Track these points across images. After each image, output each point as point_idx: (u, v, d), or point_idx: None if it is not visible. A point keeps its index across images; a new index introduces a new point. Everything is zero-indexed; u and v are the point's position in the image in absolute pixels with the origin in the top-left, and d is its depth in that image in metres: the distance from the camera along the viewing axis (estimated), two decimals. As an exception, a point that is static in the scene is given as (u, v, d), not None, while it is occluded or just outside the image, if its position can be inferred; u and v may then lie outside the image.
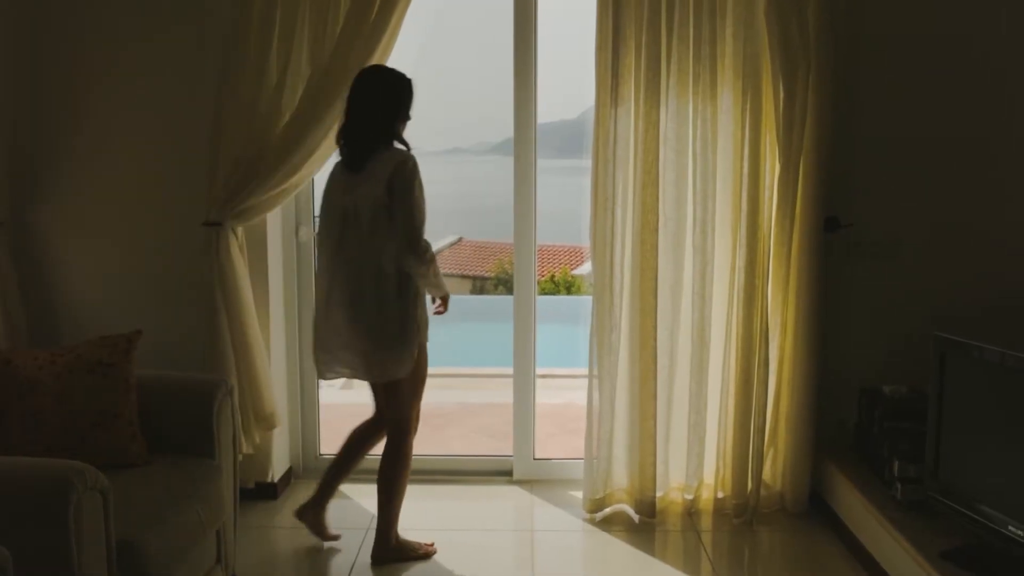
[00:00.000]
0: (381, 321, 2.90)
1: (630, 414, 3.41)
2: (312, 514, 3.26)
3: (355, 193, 2.88)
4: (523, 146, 3.64)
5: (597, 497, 3.45)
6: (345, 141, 2.94)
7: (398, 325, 2.91)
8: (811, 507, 3.49)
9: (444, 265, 17.32)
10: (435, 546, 3.20)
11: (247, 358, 3.34)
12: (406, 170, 2.84)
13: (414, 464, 3.92)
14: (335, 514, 3.59)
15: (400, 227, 2.84)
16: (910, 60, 3.36)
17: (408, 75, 2.97)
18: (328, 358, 3.00)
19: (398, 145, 2.93)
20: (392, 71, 2.97)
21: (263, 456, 3.52)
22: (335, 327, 2.94)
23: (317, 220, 3.20)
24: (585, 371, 3.44)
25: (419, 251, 2.86)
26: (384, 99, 2.91)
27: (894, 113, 3.39)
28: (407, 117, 2.98)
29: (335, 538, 3.29)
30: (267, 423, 3.41)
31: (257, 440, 3.42)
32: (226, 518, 2.80)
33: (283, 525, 3.46)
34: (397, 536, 3.14)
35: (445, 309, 3.13)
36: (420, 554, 3.15)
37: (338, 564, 3.15)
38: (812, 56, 3.17)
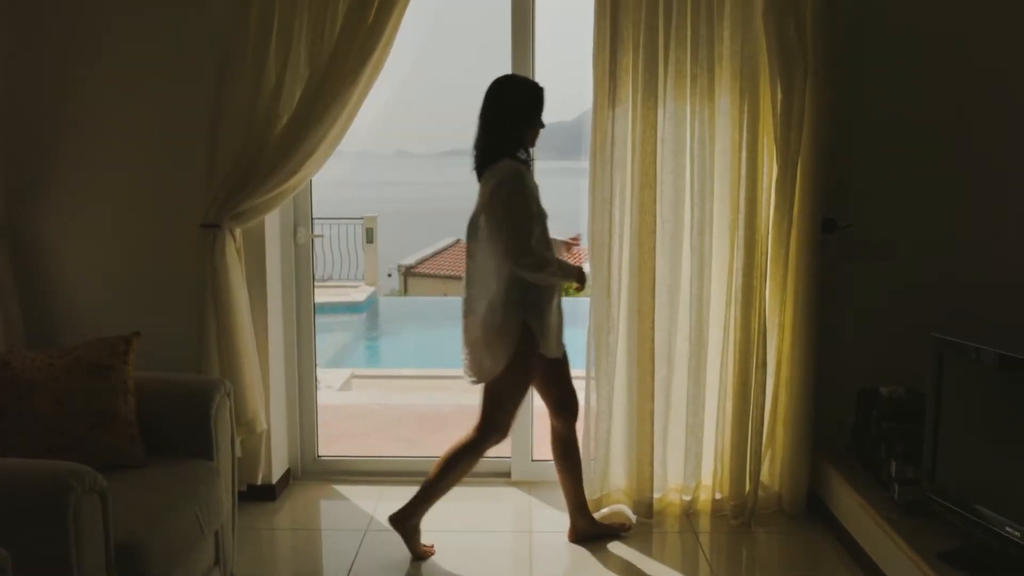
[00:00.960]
0: (486, 325, 2.98)
1: (628, 415, 3.42)
2: (585, 526, 3.31)
3: (478, 201, 3.00)
4: (521, 148, 3.64)
5: (595, 498, 3.45)
6: (474, 150, 3.03)
7: (500, 330, 2.97)
8: (809, 508, 3.49)
9: (442, 267, 17.29)
10: (434, 548, 3.20)
11: (233, 362, 3.33)
12: (507, 183, 2.90)
13: (414, 466, 3.96)
14: (333, 515, 3.61)
15: (503, 238, 2.90)
16: (908, 61, 3.37)
17: (539, 83, 3.04)
18: (462, 356, 3.10)
19: (521, 155, 2.99)
20: (519, 81, 3.05)
21: (252, 459, 3.51)
22: (463, 328, 3.07)
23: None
24: (582, 372, 3.44)
25: (523, 262, 2.89)
26: (506, 110, 2.98)
27: (892, 114, 3.39)
28: (537, 125, 3.03)
29: (625, 526, 3.39)
30: (247, 428, 3.38)
31: (239, 444, 3.40)
32: (224, 520, 2.80)
33: (282, 527, 3.46)
34: (417, 522, 3.16)
35: (580, 287, 3.15)
36: (417, 552, 3.16)
37: (337, 565, 3.15)
38: (810, 57, 3.18)
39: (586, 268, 3.20)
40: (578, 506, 3.30)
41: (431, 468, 3.15)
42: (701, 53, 3.26)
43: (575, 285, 3.14)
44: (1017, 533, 2.43)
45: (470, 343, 3.06)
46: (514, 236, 2.88)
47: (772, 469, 3.51)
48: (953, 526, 2.71)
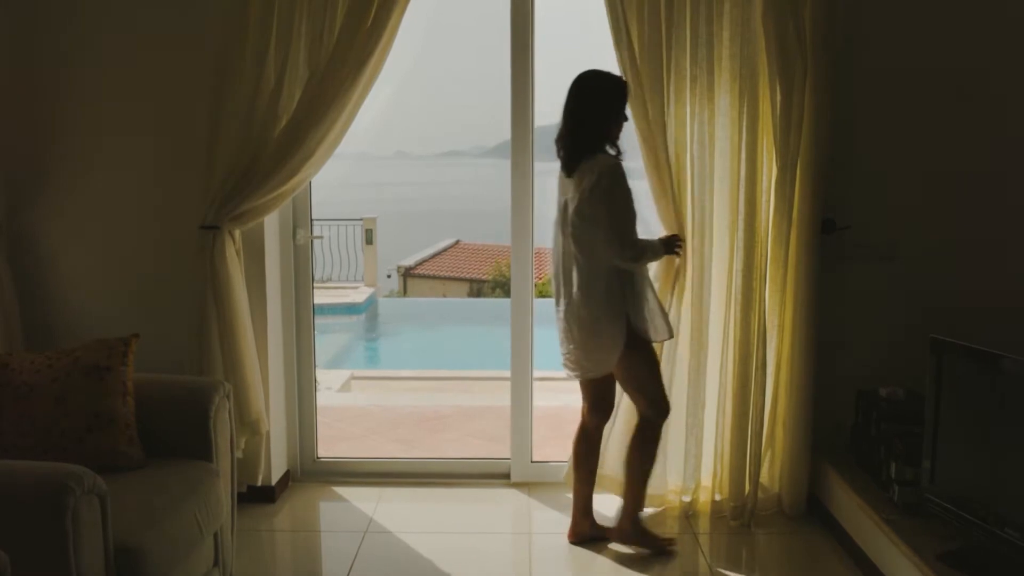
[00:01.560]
0: (588, 321, 3.00)
1: (627, 415, 3.41)
2: (587, 528, 3.30)
3: (568, 196, 3.00)
4: (520, 149, 3.64)
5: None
6: (559, 146, 3.03)
7: (605, 325, 3.00)
8: (808, 509, 3.49)
9: (441, 268, 17.30)
10: (673, 545, 3.25)
11: (235, 363, 3.33)
12: (607, 178, 2.93)
13: (413, 468, 3.95)
14: (332, 516, 3.60)
15: (605, 232, 2.93)
16: (908, 61, 3.37)
17: (622, 77, 3.10)
18: (562, 352, 3.12)
19: (609, 150, 3.01)
20: (602, 75, 3.03)
21: (253, 461, 3.50)
22: (561, 322, 3.09)
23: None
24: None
25: (626, 255, 2.97)
26: (591, 104, 2.99)
27: (892, 115, 3.39)
28: (622, 119, 3.05)
29: (603, 532, 3.33)
30: (251, 429, 3.38)
31: (242, 445, 3.40)
32: (224, 521, 2.79)
33: (281, 528, 3.46)
34: (641, 520, 3.23)
35: (677, 252, 3.25)
36: (659, 547, 3.20)
37: (336, 567, 3.14)
38: (809, 58, 3.18)
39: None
40: (586, 508, 3.30)
41: (623, 474, 3.20)
42: (700, 54, 3.25)
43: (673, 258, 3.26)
44: (1016, 534, 2.43)
45: (573, 340, 3.05)
46: (618, 228, 2.93)
47: (772, 470, 3.50)
48: (952, 528, 2.71)
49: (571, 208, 2.99)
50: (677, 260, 3.30)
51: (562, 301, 3.08)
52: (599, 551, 3.26)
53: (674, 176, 3.28)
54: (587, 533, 3.31)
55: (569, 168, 3.02)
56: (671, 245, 3.23)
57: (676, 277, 3.33)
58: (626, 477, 3.21)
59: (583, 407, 3.26)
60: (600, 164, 2.94)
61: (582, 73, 3.03)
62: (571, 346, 3.07)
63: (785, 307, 3.35)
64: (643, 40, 3.22)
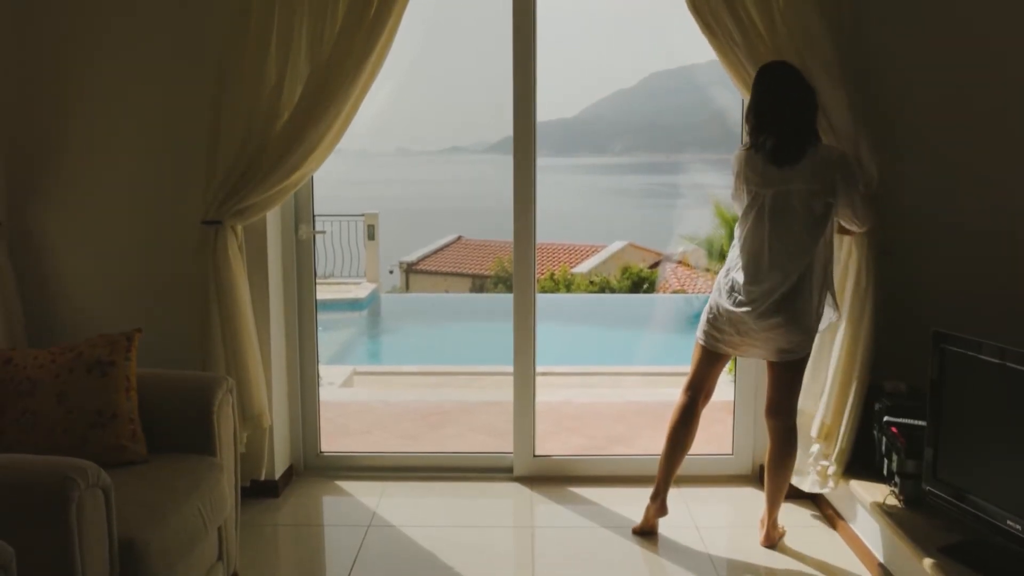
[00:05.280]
0: (803, 304, 2.99)
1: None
2: (656, 509, 3.30)
3: (788, 184, 2.97)
4: (523, 144, 3.63)
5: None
6: (778, 134, 2.97)
7: (815, 308, 3.03)
8: (812, 502, 3.49)
9: (443, 264, 17.27)
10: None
11: (238, 358, 3.33)
12: (853, 163, 3.03)
13: (415, 462, 3.96)
14: (335, 511, 3.61)
15: (862, 209, 3.04)
16: (914, 58, 3.36)
17: None
18: (739, 336, 3.07)
19: (825, 140, 3.05)
20: (794, 66, 3.04)
21: (256, 455, 3.51)
22: (761, 310, 2.99)
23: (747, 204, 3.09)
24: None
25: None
26: (807, 92, 3.00)
27: (894, 112, 3.38)
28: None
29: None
30: (254, 424, 3.38)
31: (244, 440, 3.40)
32: (227, 516, 2.80)
33: (284, 522, 3.47)
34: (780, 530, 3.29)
35: None
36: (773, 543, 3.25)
37: (339, 561, 3.16)
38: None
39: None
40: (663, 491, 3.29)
41: (767, 486, 3.20)
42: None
43: None
44: (1018, 527, 2.43)
45: (773, 324, 2.99)
46: (872, 210, 3.08)
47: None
48: (954, 520, 2.71)
49: (798, 195, 2.95)
50: None
51: (769, 291, 2.99)
52: (602, 544, 3.26)
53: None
54: (656, 514, 3.30)
55: (795, 156, 2.96)
56: None
57: None
58: (778, 491, 3.19)
59: (692, 390, 3.20)
60: (838, 151, 3.02)
61: (781, 62, 3.02)
62: (790, 327, 2.99)
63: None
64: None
